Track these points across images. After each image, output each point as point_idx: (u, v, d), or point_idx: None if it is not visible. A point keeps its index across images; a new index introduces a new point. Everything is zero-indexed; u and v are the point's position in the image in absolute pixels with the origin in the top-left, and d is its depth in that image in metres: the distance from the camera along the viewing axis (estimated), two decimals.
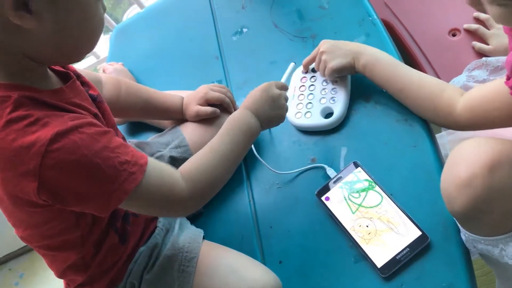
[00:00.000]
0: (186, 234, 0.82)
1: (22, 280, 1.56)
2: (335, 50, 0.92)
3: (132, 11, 2.32)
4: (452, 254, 0.73)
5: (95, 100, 0.72)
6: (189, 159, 0.74)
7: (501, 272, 0.90)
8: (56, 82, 0.67)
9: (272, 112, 0.81)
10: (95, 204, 0.62)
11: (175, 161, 0.89)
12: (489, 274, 1.13)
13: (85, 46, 0.64)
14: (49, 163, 0.56)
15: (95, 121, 0.63)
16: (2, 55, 0.58)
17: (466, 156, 0.70)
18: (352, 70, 0.91)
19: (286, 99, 0.85)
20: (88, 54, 0.73)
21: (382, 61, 0.87)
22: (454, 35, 1.23)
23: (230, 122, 0.78)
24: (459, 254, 0.73)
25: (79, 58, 0.66)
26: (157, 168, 0.67)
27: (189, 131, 0.92)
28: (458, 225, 0.77)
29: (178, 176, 0.69)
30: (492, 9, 0.62)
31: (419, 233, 0.76)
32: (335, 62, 0.91)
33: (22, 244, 1.53)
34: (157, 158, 0.89)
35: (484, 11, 0.64)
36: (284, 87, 0.86)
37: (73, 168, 0.57)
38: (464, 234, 0.76)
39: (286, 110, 0.84)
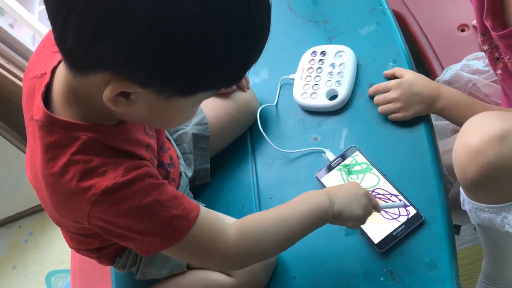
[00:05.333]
0: None
1: (32, 238, 1.64)
2: (412, 97, 0.88)
3: None
4: (439, 233, 0.79)
5: None
6: (253, 216, 0.74)
7: (493, 248, 0.93)
8: None
9: (351, 206, 0.74)
10: (135, 247, 0.67)
11: (197, 138, 0.94)
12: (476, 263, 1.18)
13: (172, 126, 0.74)
14: (98, 209, 0.61)
15: (150, 170, 0.64)
16: (87, 100, 0.59)
17: (477, 126, 0.73)
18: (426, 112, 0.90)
19: (370, 209, 0.77)
20: None
21: (460, 107, 0.87)
22: (462, 30, 1.26)
23: (306, 199, 0.75)
24: (445, 233, 0.79)
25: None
26: (208, 221, 0.67)
27: (208, 105, 0.96)
28: (463, 196, 0.80)
29: (227, 231, 0.68)
30: None
31: (414, 211, 0.81)
32: (411, 112, 0.88)
33: (33, 203, 1.63)
34: (181, 135, 0.93)
35: None
36: (373, 200, 0.78)
37: (120, 216, 0.62)
38: (469, 204, 0.79)
39: (367, 215, 0.76)
